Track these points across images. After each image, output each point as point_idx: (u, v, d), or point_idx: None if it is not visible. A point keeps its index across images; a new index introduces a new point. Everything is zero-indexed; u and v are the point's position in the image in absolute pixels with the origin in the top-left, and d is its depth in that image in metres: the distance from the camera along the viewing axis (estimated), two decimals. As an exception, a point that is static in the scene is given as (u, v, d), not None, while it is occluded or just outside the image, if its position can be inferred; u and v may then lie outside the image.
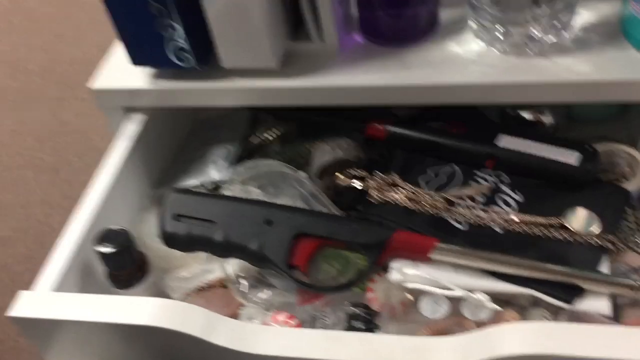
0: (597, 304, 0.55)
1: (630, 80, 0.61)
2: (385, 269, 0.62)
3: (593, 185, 0.64)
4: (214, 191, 0.75)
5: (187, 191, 0.66)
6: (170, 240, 0.63)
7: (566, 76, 0.62)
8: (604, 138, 0.72)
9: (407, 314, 0.60)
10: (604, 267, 0.58)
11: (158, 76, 0.73)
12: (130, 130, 0.75)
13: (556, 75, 0.63)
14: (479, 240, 0.61)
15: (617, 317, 0.55)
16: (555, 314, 0.57)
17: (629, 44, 0.64)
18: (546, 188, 0.64)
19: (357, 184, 0.66)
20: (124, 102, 0.75)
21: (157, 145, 0.79)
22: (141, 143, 0.75)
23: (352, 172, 0.68)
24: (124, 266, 0.64)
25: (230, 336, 0.54)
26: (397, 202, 0.64)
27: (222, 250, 0.62)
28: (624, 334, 0.47)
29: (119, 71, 0.75)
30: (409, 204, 0.64)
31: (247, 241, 0.61)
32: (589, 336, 0.47)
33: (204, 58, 0.70)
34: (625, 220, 0.64)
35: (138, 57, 0.71)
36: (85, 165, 1.32)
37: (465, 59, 0.67)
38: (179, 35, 0.67)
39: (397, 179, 0.67)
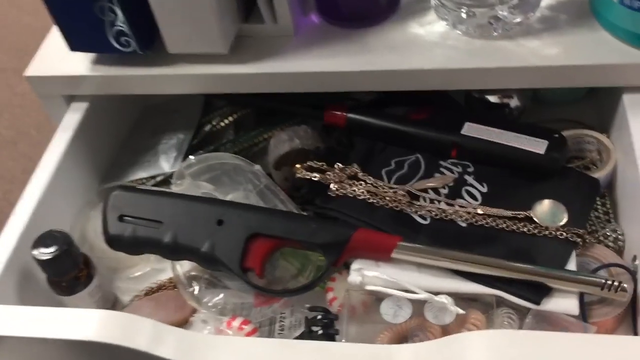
0: (565, 303, 0.52)
1: (600, 65, 0.58)
2: (347, 266, 0.59)
3: (561, 175, 0.61)
4: (164, 184, 0.71)
5: (131, 188, 0.61)
6: (115, 242, 0.59)
7: (533, 61, 0.59)
8: (572, 122, 0.70)
9: (368, 315, 0.57)
10: (572, 262, 0.55)
11: (99, 62, 0.68)
12: (70, 120, 0.69)
13: (522, 60, 0.59)
14: (442, 235, 0.58)
15: (584, 314, 0.53)
16: (522, 313, 0.55)
17: (599, 25, 0.61)
18: (512, 178, 0.61)
19: (315, 177, 0.62)
20: (64, 90, 0.70)
21: (102, 135, 0.74)
22: (83, 133, 0.69)
23: (311, 163, 0.64)
24: (65, 271, 0.59)
25: (178, 348, 0.50)
26: (357, 196, 0.61)
27: (171, 252, 0.58)
28: (591, 341, 0.45)
29: (58, 56, 0.69)
30: (370, 198, 0.60)
31: (197, 243, 0.57)
32: (555, 344, 0.44)
33: (147, 42, 0.64)
34: (595, 210, 0.62)
35: (76, 42, 0.66)
36: (44, 138, 1.26)
37: (428, 42, 0.63)
38: (120, 19, 0.61)
39: (358, 171, 0.63)
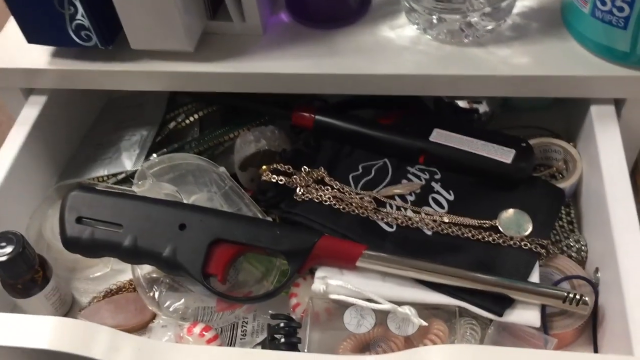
0: (527, 315, 0.52)
1: (568, 76, 0.58)
2: (312, 272, 0.58)
3: (527, 184, 0.61)
4: (126, 182, 0.69)
5: (89, 189, 0.59)
6: (72, 245, 0.57)
7: (503, 69, 0.59)
8: (540, 129, 0.70)
9: (331, 322, 0.56)
10: (535, 273, 0.55)
11: (59, 55, 0.65)
12: (28, 114, 0.67)
13: (493, 69, 0.59)
14: (407, 243, 0.58)
15: (545, 326, 0.53)
16: (484, 322, 0.55)
17: (569, 35, 0.61)
18: (479, 186, 0.61)
19: (282, 180, 0.61)
20: (21, 83, 0.67)
21: (62, 129, 0.71)
22: (42, 128, 0.67)
23: (277, 166, 0.63)
24: (20, 274, 0.57)
25: (136, 357, 0.49)
26: (323, 201, 0.60)
27: (131, 256, 0.56)
28: (551, 358, 0.45)
29: (15, 48, 0.66)
30: (336, 204, 0.60)
31: (158, 247, 0.55)
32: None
33: (109, 37, 0.62)
34: (559, 219, 0.62)
35: (33, 35, 0.63)
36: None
37: (398, 46, 0.62)
38: (80, 13, 0.59)
39: (324, 175, 0.62)
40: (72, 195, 0.58)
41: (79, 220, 0.57)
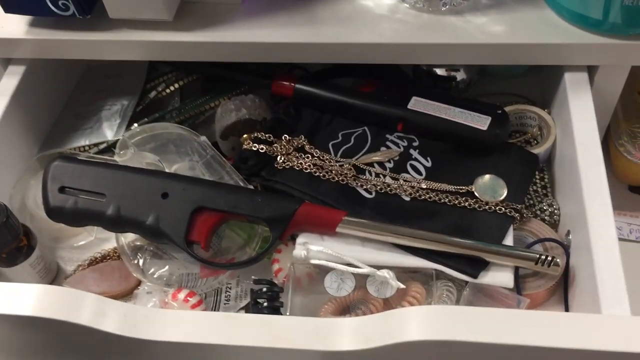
0: (501, 277, 0.54)
1: (543, 44, 0.59)
2: (293, 238, 0.59)
3: (502, 150, 0.63)
4: (107, 152, 0.69)
5: (72, 159, 0.60)
6: (56, 214, 0.58)
7: (479, 38, 0.60)
8: (516, 96, 0.71)
9: (312, 286, 0.58)
10: (510, 236, 0.57)
11: (37, 25, 0.65)
12: (6, 84, 0.67)
13: (469, 37, 0.60)
14: (386, 209, 0.59)
15: (518, 287, 0.55)
16: (460, 285, 0.57)
17: (544, 3, 0.61)
18: (455, 153, 0.63)
19: (262, 149, 0.62)
20: (-1, 53, 0.67)
21: (41, 99, 0.71)
22: (21, 98, 0.67)
23: (258, 135, 0.63)
24: (4, 243, 0.58)
25: (122, 322, 0.50)
26: (303, 169, 0.61)
27: (114, 225, 0.57)
28: (524, 317, 0.47)
29: (-9, 17, 0.66)
30: (316, 172, 0.61)
31: (141, 216, 0.56)
32: (489, 319, 0.46)
33: (87, 6, 0.62)
34: (534, 184, 0.64)
35: (10, 4, 0.63)
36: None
37: (376, 15, 0.63)
38: (56, -19, 0.59)
39: (305, 143, 0.63)
40: (55, 165, 0.58)
41: (61, 190, 0.57)
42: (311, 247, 0.56)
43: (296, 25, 0.63)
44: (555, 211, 0.61)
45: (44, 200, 0.58)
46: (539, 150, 0.63)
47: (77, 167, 0.58)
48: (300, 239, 0.57)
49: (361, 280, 0.55)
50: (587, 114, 0.59)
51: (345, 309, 0.57)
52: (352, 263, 0.54)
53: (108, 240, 0.66)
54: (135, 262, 0.60)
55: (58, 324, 0.51)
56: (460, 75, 0.70)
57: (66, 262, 0.66)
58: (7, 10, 0.63)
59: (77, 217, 0.57)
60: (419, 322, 0.46)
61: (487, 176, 0.60)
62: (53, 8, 0.61)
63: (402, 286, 0.53)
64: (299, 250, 0.56)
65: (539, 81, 0.72)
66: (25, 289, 0.52)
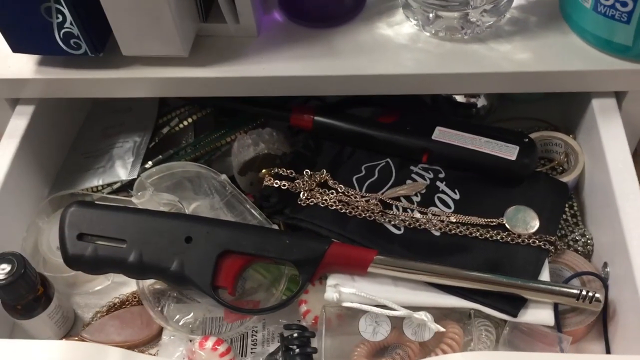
0: (540, 314, 0.53)
1: (571, 72, 0.58)
2: (320, 277, 0.57)
3: (530, 179, 0.61)
4: (121, 191, 0.67)
5: (89, 204, 0.57)
6: (75, 263, 0.55)
7: (505, 66, 0.58)
8: (537, 120, 0.70)
9: (343, 327, 0.56)
10: (545, 270, 0.55)
11: (46, 64, 0.63)
12: (15, 126, 0.64)
13: (495, 65, 0.58)
14: (416, 245, 0.57)
15: (559, 324, 0.54)
16: (497, 324, 0.55)
17: (569, 28, 0.60)
18: (483, 183, 0.61)
19: (284, 186, 0.60)
20: (7, 94, 0.65)
21: (50, 139, 0.69)
22: (30, 139, 0.65)
23: (279, 170, 0.62)
24: (21, 295, 0.55)
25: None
26: (328, 205, 0.59)
27: (137, 272, 0.55)
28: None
29: (-1, 57, 0.64)
30: (342, 208, 0.59)
31: (165, 262, 0.54)
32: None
33: (99, 44, 0.60)
34: (563, 213, 0.62)
35: (19, 44, 0.60)
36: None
37: (397, 44, 0.61)
38: (69, 21, 0.57)
39: (328, 178, 0.61)
40: (71, 212, 0.56)
41: (80, 237, 0.55)
42: (343, 290, 0.54)
43: (314, 57, 0.61)
44: (589, 241, 0.60)
45: (62, 248, 0.55)
46: (568, 178, 0.62)
47: (95, 212, 0.56)
48: (330, 281, 0.55)
49: (396, 321, 0.53)
50: (619, 140, 0.57)
51: (379, 351, 0.55)
52: (387, 305, 0.52)
53: (126, 284, 0.64)
54: (159, 309, 0.58)
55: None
56: (480, 102, 0.69)
57: (83, 309, 0.64)
58: (15, 50, 0.61)
59: (98, 265, 0.55)
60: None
61: (517, 207, 0.59)
62: (64, 47, 0.59)
63: (442, 329, 0.51)
64: (330, 293, 0.54)
65: (560, 105, 0.71)
66: (46, 346, 0.49)
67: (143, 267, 0.54)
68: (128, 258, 0.54)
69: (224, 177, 0.62)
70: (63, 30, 0.58)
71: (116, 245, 0.55)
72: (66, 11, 0.56)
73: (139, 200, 0.60)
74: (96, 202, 0.59)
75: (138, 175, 0.64)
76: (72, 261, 0.55)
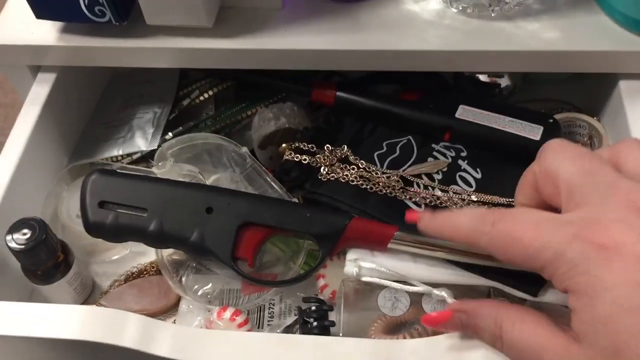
0: (560, 295, 0.51)
1: (599, 51, 0.57)
2: (338, 252, 0.57)
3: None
4: (141, 162, 0.67)
5: (111, 172, 0.57)
6: (96, 230, 0.55)
7: (532, 44, 0.57)
8: (560, 102, 0.69)
9: (360, 302, 0.56)
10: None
11: (69, 31, 0.63)
12: (36, 93, 0.64)
13: (522, 44, 0.57)
14: (437, 223, 0.57)
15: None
16: (516, 303, 0.54)
17: (598, 7, 0.59)
18: (505, 163, 0.60)
19: (305, 160, 0.60)
20: (29, 61, 0.65)
21: (71, 108, 0.69)
22: (51, 107, 0.65)
23: (299, 145, 0.61)
24: (41, 261, 0.56)
25: (172, 345, 0.48)
26: (349, 181, 0.59)
27: (157, 241, 0.55)
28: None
29: (22, 23, 0.63)
30: (363, 184, 0.59)
31: (185, 232, 0.54)
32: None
33: (124, 12, 0.60)
34: (584, 196, 0.62)
35: (43, 10, 0.60)
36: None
37: (423, 20, 0.61)
38: (93, -14, 0.56)
39: (349, 153, 0.61)
40: (93, 180, 0.56)
41: (101, 204, 0.55)
42: (363, 265, 0.53)
43: (339, 32, 0.60)
44: (611, 224, 0.59)
45: (83, 215, 0.55)
46: (591, 160, 0.61)
47: (117, 181, 0.56)
48: (350, 255, 0.55)
49: (416, 298, 0.53)
50: (646, 123, 0.57)
51: (396, 326, 0.55)
52: (407, 281, 0.52)
53: (144, 254, 0.64)
54: (178, 279, 0.58)
55: (102, 347, 0.49)
56: (504, 82, 0.68)
57: (101, 277, 0.64)
58: (39, 16, 0.61)
59: (118, 233, 0.55)
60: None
61: (539, 188, 0.58)
62: (88, 14, 0.59)
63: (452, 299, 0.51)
64: (350, 268, 0.54)
65: (584, 87, 0.70)
66: (66, 310, 0.50)
67: (163, 237, 0.54)
68: (149, 227, 0.54)
69: (245, 149, 0.62)
70: (88, -4, 0.58)
71: (137, 214, 0.55)
72: (92, -23, 0.56)
73: (159, 170, 0.61)
74: (117, 170, 0.59)
75: (158, 146, 0.64)
76: (93, 228, 0.56)
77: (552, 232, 0.37)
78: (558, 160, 0.41)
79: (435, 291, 0.51)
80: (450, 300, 0.51)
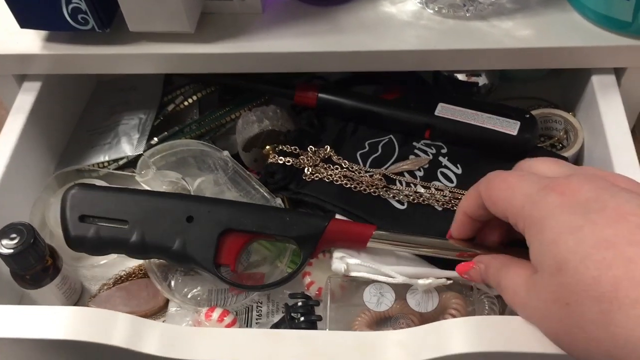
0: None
1: (571, 47, 0.59)
2: (324, 250, 0.58)
3: (531, 154, 0.62)
4: (127, 167, 0.68)
5: (90, 186, 0.57)
6: (77, 244, 0.56)
7: (507, 42, 0.59)
8: (537, 99, 0.71)
9: (345, 298, 0.57)
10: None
11: (53, 39, 0.64)
12: (22, 102, 0.65)
13: (496, 42, 0.59)
14: (419, 220, 0.58)
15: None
16: (499, 295, 0.56)
17: (569, 5, 0.61)
18: (485, 159, 0.62)
19: (289, 162, 0.61)
20: (14, 70, 0.65)
21: (56, 116, 0.70)
22: (37, 115, 0.65)
23: (283, 147, 0.62)
24: (30, 265, 0.56)
25: (160, 342, 0.49)
26: (333, 180, 0.60)
27: (139, 252, 0.55)
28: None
29: (6, 33, 0.64)
30: (347, 183, 0.60)
31: (167, 241, 0.54)
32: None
33: (107, 20, 0.61)
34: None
35: (26, 19, 0.61)
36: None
37: (400, 21, 0.62)
38: (76, -5, 0.57)
39: (332, 154, 0.62)
40: (72, 194, 0.56)
41: (82, 218, 0.55)
42: (349, 261, 0.55)
43: (319, 34, 0.62)
44: (588, 215, 0.60)
45: (64, 230, 0.55)
46: (569, 153, 0.63)
47: (96, 194, 0.56)
48: (337, 253, 0.56)
49: (401, 293, 0.54)
50: (618, 116, 0.58)
51: (379, 321, 0.56)
52: (392, 275, 0.53)
53: (131, 259, 0.65)
54: (167, 283, 0.59)
55: (91, 347, 0.49)
56: (482, 81, 0.69)
57: (90, 281, 0.65)
58: (23, 26, 0.62)
59: (100, 246, 0.55)
60: (465, 333, 0.45)
61: (518, 182, 0.59)
62: (72, 22, 0.60)
63: (449, 281, 0.52)
64: (337, 264, 0.55)
65: (559, 83, 0.72)
66: (54, 312, 0.50)
67: (145, 247, 0.55)
68: (130, 238, 0.55)
69: (225, 153, 0.63)
70: (71, 6, 0.58)
71: (118, 226, 0.55)
72: (74, -15, 0.57)
73: (142, 178, 0.61)
74: (97, 183, 0.59)
75: (144, 152, 0.65)
76: (75, 243, 0.56)
77: (527, 186, 0.42)
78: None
79: (420, 281, 0.53)
80: (437, 281, 0.52)
